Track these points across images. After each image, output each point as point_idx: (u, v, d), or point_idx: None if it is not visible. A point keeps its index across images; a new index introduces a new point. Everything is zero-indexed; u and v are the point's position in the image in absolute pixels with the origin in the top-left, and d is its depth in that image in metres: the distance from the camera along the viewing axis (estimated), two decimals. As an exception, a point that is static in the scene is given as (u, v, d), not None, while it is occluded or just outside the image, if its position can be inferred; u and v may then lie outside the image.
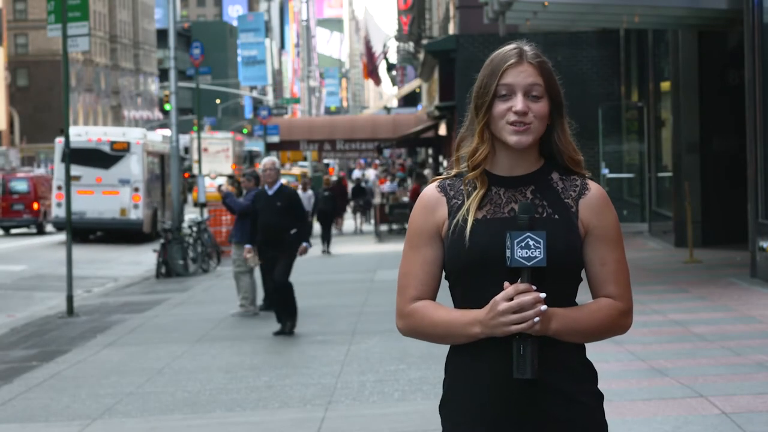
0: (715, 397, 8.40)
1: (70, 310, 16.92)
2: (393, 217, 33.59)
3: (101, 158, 33.67)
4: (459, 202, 3.13)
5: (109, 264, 27.27)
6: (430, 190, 3.18)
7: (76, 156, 30.74)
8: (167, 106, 47.13)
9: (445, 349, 3.19)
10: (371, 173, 47.45)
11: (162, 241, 23.78)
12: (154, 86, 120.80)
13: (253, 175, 16.58)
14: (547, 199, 3.11)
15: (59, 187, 32.91)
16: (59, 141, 32.92)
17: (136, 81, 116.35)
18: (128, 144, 33.86)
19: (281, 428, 9.00)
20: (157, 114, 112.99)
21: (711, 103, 20.46)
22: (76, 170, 29.88)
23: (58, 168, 33.31)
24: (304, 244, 13.75)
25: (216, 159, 60.04)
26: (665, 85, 22.60)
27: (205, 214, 28.96)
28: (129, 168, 33.72)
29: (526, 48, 3.13)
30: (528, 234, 2.97)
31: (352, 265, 24.51)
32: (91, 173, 33.01)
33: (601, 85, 27.19)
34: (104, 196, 33.32)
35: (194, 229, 24.55)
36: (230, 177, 58.58)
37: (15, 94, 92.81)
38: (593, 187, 3.15)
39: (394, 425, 8.71)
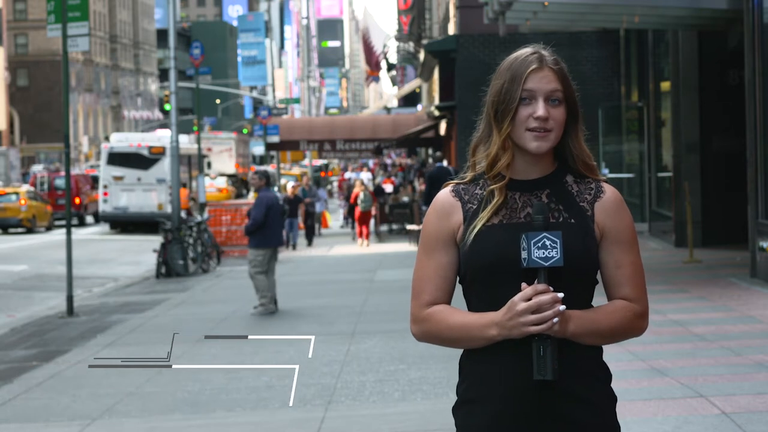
0: (715, 397, 8.39)
1: (70, 310, 16.92)
2: (393, 216, 33.62)
3: (141, 161, 38.62)
4: (474, 207, 3.11)
5: (109, 264, 27.26)
6: (444, 195, 3.15)
7: (120, 159, 38.41)
8: (167, 106, 47.13)
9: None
10: (365, 176, 47.24)
11: (162, 240, 23.78)
12: (154, 86, 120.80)
13: (265, 175, 16.58)
14: (562, 203, 3.10)
15: (105, 186, 38.17)
16: (105, 146, 39.86)
17: (136, 81, 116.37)
18: (164, 148, 37.56)
19: (281, 428, 8.99)
20: (157, 114, 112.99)
21: (711, 103, 20.44)
22: (119, 171, 37.63)
23: (104, 170, 38.78)
24: None
25: (219, 159, 60.25)
26: (665, 85, 22.58)
27: (205, 214, 28.98)
28: (164, 169, 37.24)
29: (544, 53, 3.11)
30: (544, 234, 2.95)
31: (352, 265, 24.49)
32: (133, 174, 38.30)
33: (601, 85, 27.17)
34: (144, 193, 38.35)
35: (194, 229, 24.54)
36: (231, 177, 58.80)
37: (15, 94, 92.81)
38: (608, 189, 3.15)
39: (394, 425, 8.70)
